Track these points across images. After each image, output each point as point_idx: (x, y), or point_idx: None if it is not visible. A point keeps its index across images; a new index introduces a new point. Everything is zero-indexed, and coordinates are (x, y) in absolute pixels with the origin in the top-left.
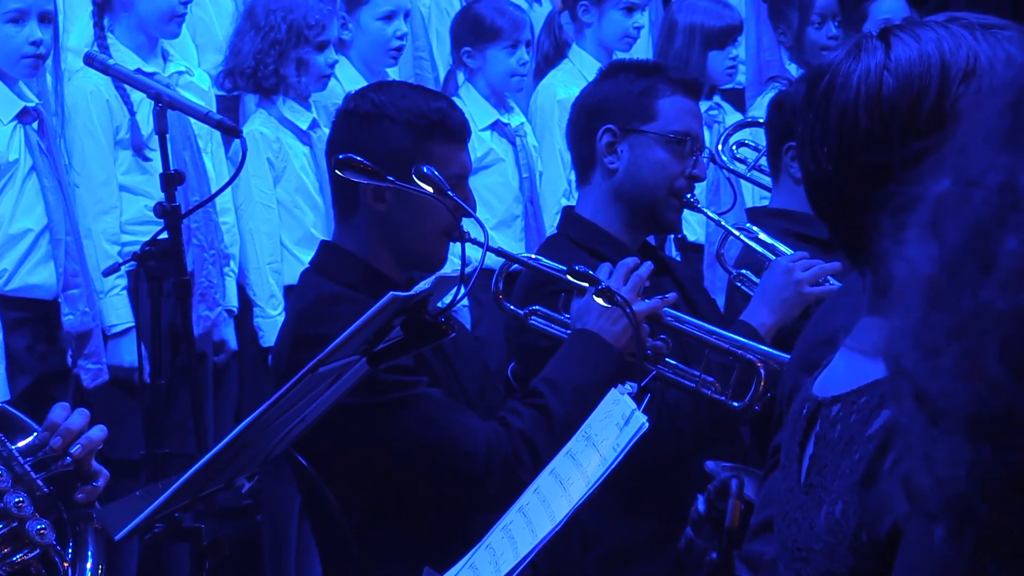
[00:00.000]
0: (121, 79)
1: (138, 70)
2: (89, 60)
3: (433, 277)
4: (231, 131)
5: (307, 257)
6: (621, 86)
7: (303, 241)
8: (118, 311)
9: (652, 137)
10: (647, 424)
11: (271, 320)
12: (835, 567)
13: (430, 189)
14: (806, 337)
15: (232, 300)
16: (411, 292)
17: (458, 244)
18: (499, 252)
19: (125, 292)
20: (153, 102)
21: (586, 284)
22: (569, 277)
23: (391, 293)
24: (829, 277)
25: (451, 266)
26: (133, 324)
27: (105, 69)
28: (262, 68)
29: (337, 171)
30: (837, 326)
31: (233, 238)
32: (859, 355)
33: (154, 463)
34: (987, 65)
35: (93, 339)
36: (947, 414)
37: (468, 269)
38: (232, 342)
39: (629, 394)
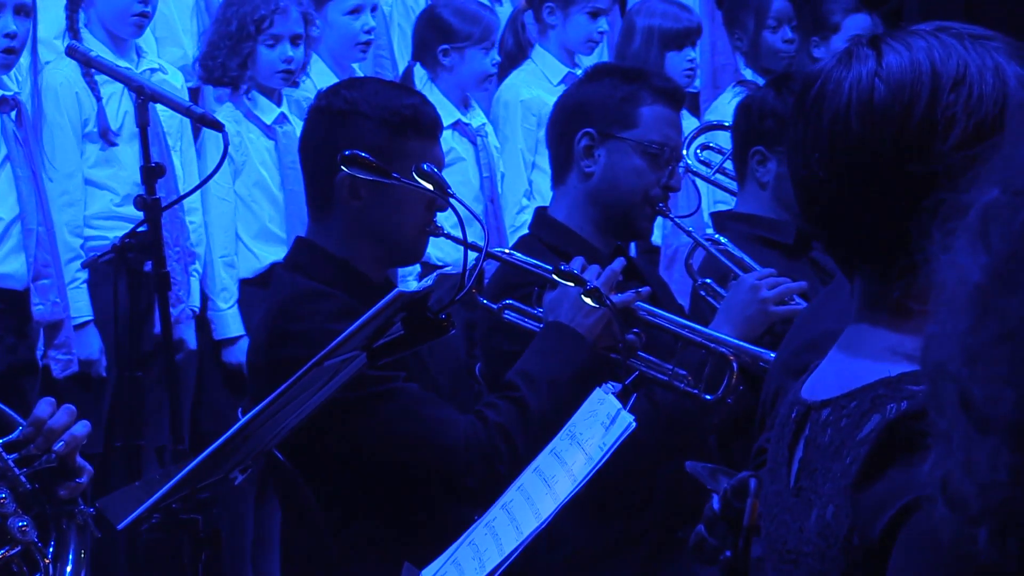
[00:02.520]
0: (103, 71)
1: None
2: (71, 52)
3: (435, 274)
4: (213, 125)
5: (263, 252)
6: (604, 90)
7: (260, 235)
8: (77, 304)
9: (630, 144)
10: (634, 423)
11: (221, 314)
12: (826, 570)
13: (430, 187)
14: (790, 341)
15: (195, 299)
16: (416, 288)
17: (438, 238)
18: (496, 256)
19: (85, 285)
20: (130, 94)
21: (572, 284)
22: (555, 277)
23: (397, 289)
24: (795, 296)
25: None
26: (92, 317)
27: (87, 61)
28: (211, 61)
29: (343, 167)
30: (824, 331)
31: (199, 236)
32: (848, 359)
33: (128, 455)
34: (976, 74)
35: (63, 330)
36: (993, 419)
37: (469, 266)
38: (191, 341)
39: (613, 393)
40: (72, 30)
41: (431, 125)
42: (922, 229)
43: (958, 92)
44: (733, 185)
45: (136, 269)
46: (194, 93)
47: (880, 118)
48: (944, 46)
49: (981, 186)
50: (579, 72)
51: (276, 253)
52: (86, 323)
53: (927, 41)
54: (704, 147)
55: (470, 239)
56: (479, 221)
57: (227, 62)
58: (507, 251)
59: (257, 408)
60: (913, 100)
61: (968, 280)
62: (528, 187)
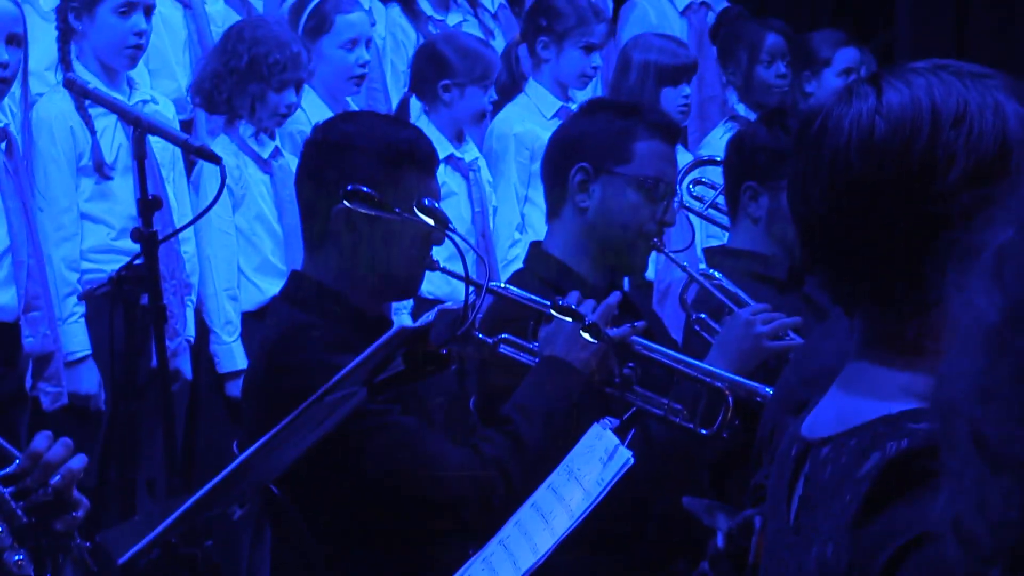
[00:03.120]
0: (101, 103)
1: None
2: (69, 84)
3: (435, 309)
4: (211, 157)
5: (265, 284)
6: (599, 125)
7: (261, 268)
8: (76, 338)
9: (625, 179)
10: (632, 459)
11: (226, 347)
12: None
13: (431, 222)
14: (787, 377)
15: (190, 330)
16: (417, 323)
17: (435, 273)
18: (494, 291)
19: (83, 320)
20: (124, 127)
21: (569, 318)
22: (553, 312)
23: (399, 324)
24: (790, 331)
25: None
26: (90, 352)
27: (84, 93)
28: (216, 92)
29: (345, 202)
30: (821, 367)
31: (193, 267)
32: (848, 397)
33: (123, 489)
34: (976, 111)
35: (53, 362)
36: (1007, 459)
37: (472, 301)
38: (187, 372)
39: (611, 428)
40: (64, 62)
41: (427, 159)
42: (931, 268)
43: (958, 130)
44: (725, 220)
45: (132, 302)
46: (186, 125)
47: (880, 155)
48: (944, 84)
49: (996, 226)
50: (573, 106)
51: (277, 286)
52: (84, 358)
53: (927, 79)
54: (696, 182)
55: (462, 273)
56: (480, 256)
57: (233, 99)
58: (503, 285)
59: (258, 443)
60: (913, 137)
61: (983, 320)
62: (520, 221)
